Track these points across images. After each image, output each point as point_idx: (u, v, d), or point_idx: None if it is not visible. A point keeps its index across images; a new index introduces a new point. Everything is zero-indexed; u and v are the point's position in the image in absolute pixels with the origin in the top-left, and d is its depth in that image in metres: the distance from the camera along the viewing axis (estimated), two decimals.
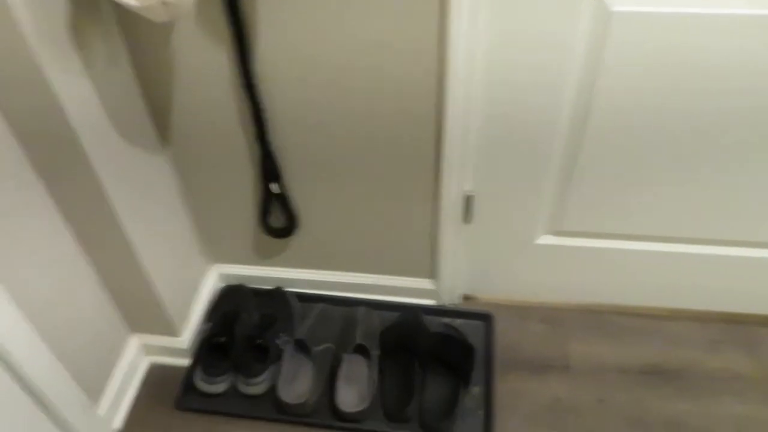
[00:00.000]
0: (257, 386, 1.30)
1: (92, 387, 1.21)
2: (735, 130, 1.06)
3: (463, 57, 0.98)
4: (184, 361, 1.37)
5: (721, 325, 1.41)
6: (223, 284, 1.49)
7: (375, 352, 1.33)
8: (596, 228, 1.28)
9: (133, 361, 1.33)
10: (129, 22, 1.02)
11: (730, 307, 1.41)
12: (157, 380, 1.37)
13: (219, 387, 1.31)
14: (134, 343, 1.34)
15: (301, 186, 1.25)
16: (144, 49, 1.05)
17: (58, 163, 0.97)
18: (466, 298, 1.49)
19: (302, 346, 1.36)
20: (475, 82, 1.03)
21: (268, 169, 1.19)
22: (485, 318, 1.43)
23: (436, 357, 1.33)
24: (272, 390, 1.31)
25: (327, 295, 1.47)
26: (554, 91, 1.04)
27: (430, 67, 1.02)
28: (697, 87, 1.01)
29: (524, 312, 1.46)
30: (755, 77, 0.98)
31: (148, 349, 1.37)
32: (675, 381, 1.32)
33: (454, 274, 1.38)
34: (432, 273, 1.41)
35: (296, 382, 1.32)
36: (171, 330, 1.31)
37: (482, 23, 0.97)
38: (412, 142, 1.13)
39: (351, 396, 1.29)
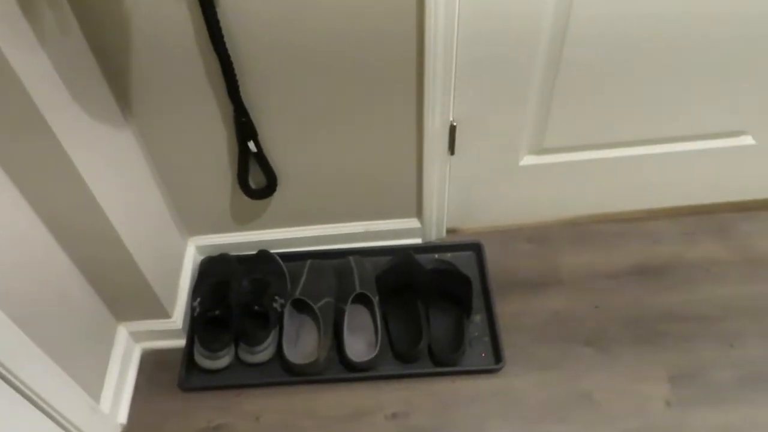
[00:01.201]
0: (263, 353, 1.26)
1: (89, 386, 1.13)
2: (704, 33, 1.09)
3: None
4: (178, 342, 1.30)
5: (692, 217, 1.48)
6: (202, 257, 1.42)
7: (375, 298, 1.31)
8: (574, 141, 1.29)
9: (126, 352, 1.25)
10: None
11: (698, 200, 1.48)
12: (153, 366, 1.30)
13: (223, 361, 1.26)
14: (123, 333, 1.26)
15: (278, 139, 1.19)
16: (94, 13, 0.95)
17: (24, 141, 0.87)
18: (450, 231, 1.49)
19: (301, 305, 1.32)
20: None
21: (244, 126, 1.12)
22: (475, 247, 1.44)
23: (435, 293, 1.33)
24: (278, 354, 1.28)
25: (312, 250, 1.43)
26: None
27: None
28: None
29: (510, 235, 1.48)
30: None
31: (138, 336, 1.29)
32: (661, 276, 1.39)
33: (440, 208, 1.38)
34: (418, 211, 1.39)
35: (301, 342, 1.29)
36: (161, 312, 1.24)
37: None
38: (392, 73, 1.09)
39: (359, 345, 1.28)
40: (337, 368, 1.27)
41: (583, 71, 1.14)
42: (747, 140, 1.33)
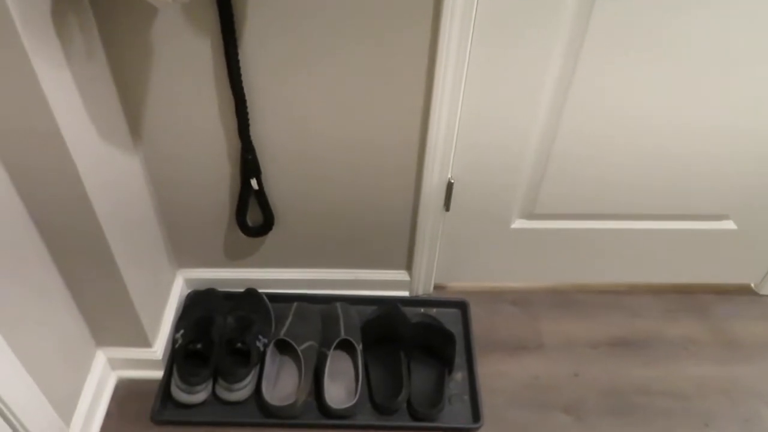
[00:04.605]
0: (241, 391, 1.24)
1: (61, 408, 1.10)
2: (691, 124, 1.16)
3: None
4: (155, 374, 1.28)
5: (673, 295, 1.52)
6: (189, 290, 1.42)
7: (359, 346, 1.31)
8: (564, 209, 1.33)
9: (102, 378, 1.23)
10: (105, 13, 0.95)
11: (679, 279, 1.52)
12: (127, 396, 1.28)
13: (199, 396, 1.24)
14: (101, 358, 1.24)
15: (280, 179, 1.22)
16: (120, 41, 0.99)
17: (35, 148, 0.89)
18: (437, 287, 1.51)
19: (284, 346, 1.32)
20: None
21: (249, 163, 1.15)
22: (461, 305, 1.45)
23: (419, 346, 1.33)
24: (256, 394, 1.26)
25: (300, 293, 1.44)
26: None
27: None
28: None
29: (494, 297, 1.50)
30: None
31: (115, 363, 1.27)
32: (640, 350, 1.41)
33: (430, 263, 1.40)
34: (408, 264, 1.41)
35: (281, 384, 1.28)
36: (142, 340, 1.23)
37: None
38: (397, 127, 1.14)
39: (339, 392, 1.27)
40: (314, 414, 1.26)
41: (576, 147, 1.20)
42: (729, 225, 1.38)
